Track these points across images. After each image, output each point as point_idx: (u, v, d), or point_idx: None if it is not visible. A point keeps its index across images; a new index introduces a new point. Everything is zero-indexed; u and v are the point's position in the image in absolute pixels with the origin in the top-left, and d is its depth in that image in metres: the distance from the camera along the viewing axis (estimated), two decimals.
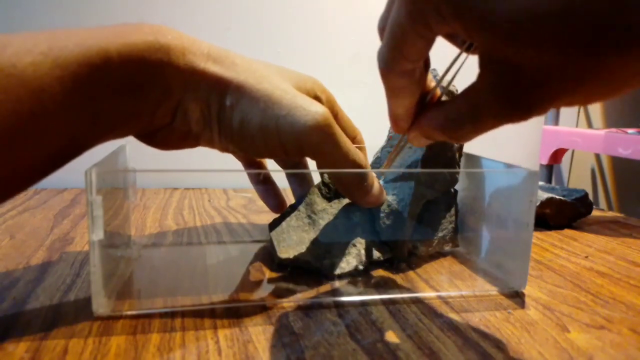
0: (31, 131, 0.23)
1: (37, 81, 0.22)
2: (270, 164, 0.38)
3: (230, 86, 0.27)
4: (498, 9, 0.17)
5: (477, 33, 0.18)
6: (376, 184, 0.32)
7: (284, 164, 0.38)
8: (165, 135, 0.29)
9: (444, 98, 0.34)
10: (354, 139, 0.38)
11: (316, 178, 0.38)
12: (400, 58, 0.21)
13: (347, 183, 0.31)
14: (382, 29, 0.22)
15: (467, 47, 0.23)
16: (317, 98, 0.33)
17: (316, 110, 0.27)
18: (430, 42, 0.21)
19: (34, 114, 0.23)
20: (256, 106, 0.27)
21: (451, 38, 0.24)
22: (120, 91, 0.25)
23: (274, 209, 0.39)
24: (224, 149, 0.30)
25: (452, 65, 0.24)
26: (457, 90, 0.35)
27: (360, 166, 0.30)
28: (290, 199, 0.39)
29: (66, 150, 0.26)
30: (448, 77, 0.30)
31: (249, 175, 0.39)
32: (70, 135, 0.25)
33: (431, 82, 0.26)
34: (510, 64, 0.18)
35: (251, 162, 0.38)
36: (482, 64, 0.19)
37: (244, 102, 0.27)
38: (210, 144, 0.30)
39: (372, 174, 0.32)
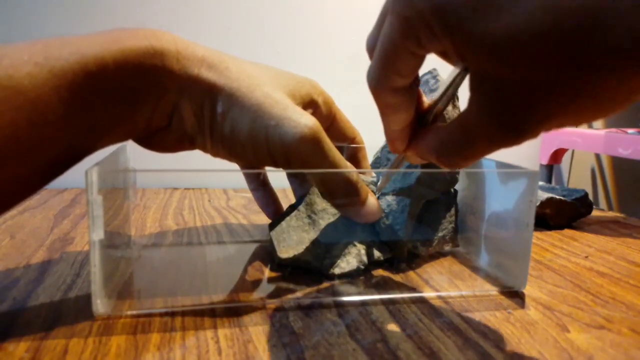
0: (30, 140, 0.23)
1: (34, 91, 0.22)
2: None
3: (222, 93, 0.27)
4: (488, 27, 0.17)
5: (467, 52, 0.18)
6: (370, 198, 0.32)
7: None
8: (162, 138, 0.29)
9: (450, 108, 0.33)
10: (353, 139, 0.38)
11: None
12: (391, 75, 0.21)
13: (337, 196, 0.31)
14: (371, 49, 0.22)
15: (464, 67, 0.23)
16: (313, 102, 0.33)
17: (305, 122, 0.27)
18: (421, 60, 0.21)
19: (32, 123, 0.23)
20: (247, 115, 0.27)
21: (445, 56, 0.24)
22: (117, 97, 0.25)
23: (270, 215, 0.39)
24: (215, 154, 0.30)
25: (453, 82, 0.24)
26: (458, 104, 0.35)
27: (350, 180, 0.30)
28: (290, 198, 0.39)
29: (65, 158, 0.26)
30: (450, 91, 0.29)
31: (247, 180, 0.39)
32: (69, 142, 0.25)
33: (423, 99, 0.25)
34: (500, 84, 0.18)
35: (249, 167, 0.38)
36: (473, 86, 0.19)
37: (235, 110, 0.27)
38: (203, 148, 0.30)
39: (367, 188, 0.32)
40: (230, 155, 0.30)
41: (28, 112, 0.22)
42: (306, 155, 0.28)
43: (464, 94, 0.24)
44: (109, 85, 0.25)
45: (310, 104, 0.33)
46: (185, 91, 0.27)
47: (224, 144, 0.28)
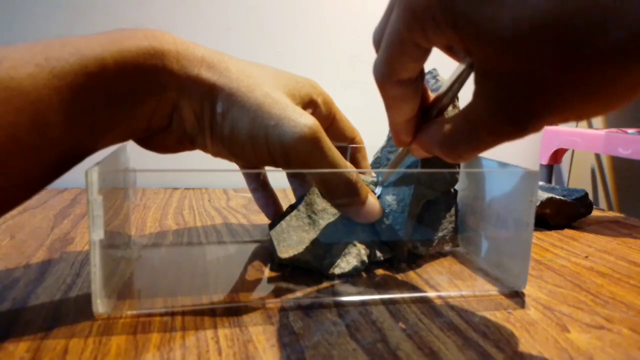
0: (32, 141, 0.23)
1: (35, 92, 0.22)
2: None
3: (222, 93, 0.27)
4: (494, 19, 0.17)
5: (472, 43, 0.18)
6: (370, 198, 0.32)
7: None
8: (162, 138, 0.29)
9: (450, 109, 0.33)
10: (352, 139, 0.38)
11: None
12: (397, 67, 0.21)
13: (337, 196, 0.31)
14: (377, 42, 0.22)
15: (470, 64, 0.23)
16: (313, 102, 0.33)
17: (305, 122, 0.27)
18: (426, 52, 0.21)
19: (33, 124, 0.23)
20: (246, 114, 0.27)
21: (451, 51, 0.24)
22: (117, 98, 0.25)
23: (270, 215, 0.39)
24: (216, 153, 0.30)
25: (459, 78, 0.24)
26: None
27: (349, 180, 0.30)
28: (290, 198, 0.39)
29: (67, 158, 0.26)
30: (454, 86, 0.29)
31: (247, 180, 0.39)
32: (71, 143, 0.25)
33: (428, 93, 0.25)
34: (505, 76, 0.18)
35: (249, 167, 0.38)
36: (477, 79, 0.19)
37: (235, 110, 0.27)
38: (204, 148, 0.30)
39: (367, 188, 0.32)
40: (230, 155, 0.30)
41: (29, 113, 0.22)
42: (306, 154, 0.28)
43: (464, 94, 0.24)
44: (110, 85, 0.25)
45: (310, 104, 0.33)
46: (185, 91, 0.27)
47: (224, 144, 0.28)
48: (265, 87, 0.28)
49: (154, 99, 0.27)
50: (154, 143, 0.29)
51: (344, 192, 0.31)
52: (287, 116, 0.27)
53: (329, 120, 0.35)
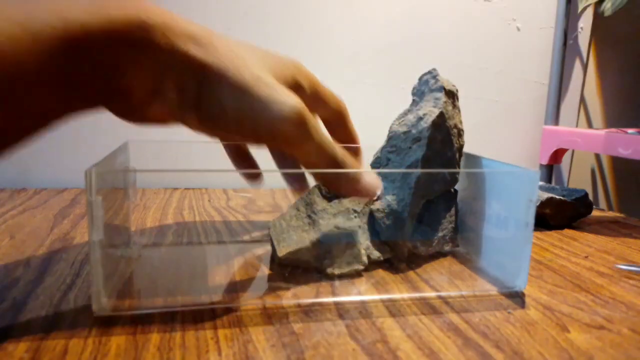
0: (7, 101, 0.23)
1: (15, 56, 0.22)
2: (268, 164, 0.38)
3: (210, 71, 0.27)
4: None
5: None
6: (365, 174, 0.31)
7: (278, 161, 0.37)
8: (144, 113, 0.28)
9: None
10: (338, 112, 0.37)
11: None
12: None
13: (328, 180, 0.31)
14: None
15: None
16: (298, 84, 0.33)
17: (291, 103, 0.28)
18: None
19: (10, 84, 0.23)
20: (233, 94, 0.27)
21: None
22: (99, 68, 0.25)
23: (254, 184, 0.39)
24: (198, 129, 0.30)
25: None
26: (457, 90, 0.35)
27: (336, 159, 0.30)
28: (290, 199, 0.39)
29: (43, 119, 0.25)
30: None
31: (228, 154, 0.39)
32: (46, 105, 0.25)
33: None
34: None
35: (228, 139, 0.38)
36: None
37: (221, 90, 0.27)
38: (186, 124, 0.29)
39: (355, 163, 0.31)
40: (214, 134, 0.30)
41: (7, 74, 0.22)
42: (291, 135, 0.28)
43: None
44: (93, 55, 0.24)
45: (294, 86, 0.33)
46: (171, 67, 0.27)
47: (208, 123, 0.28)
48: (253, 68, 0.28)
49: (138, 73, 0.26)
50: (135, 116, 0.29)
51: (334, 176, 0.30)
52: (274, 97, 0.28)
53: (314, 99, 0.35)
